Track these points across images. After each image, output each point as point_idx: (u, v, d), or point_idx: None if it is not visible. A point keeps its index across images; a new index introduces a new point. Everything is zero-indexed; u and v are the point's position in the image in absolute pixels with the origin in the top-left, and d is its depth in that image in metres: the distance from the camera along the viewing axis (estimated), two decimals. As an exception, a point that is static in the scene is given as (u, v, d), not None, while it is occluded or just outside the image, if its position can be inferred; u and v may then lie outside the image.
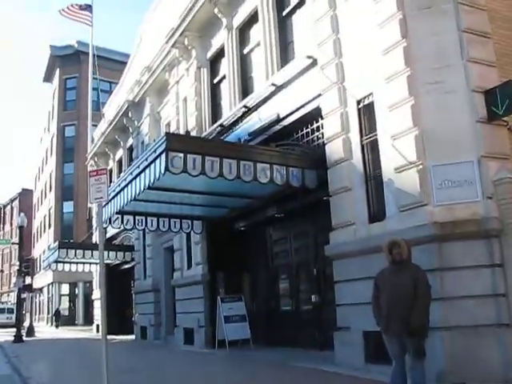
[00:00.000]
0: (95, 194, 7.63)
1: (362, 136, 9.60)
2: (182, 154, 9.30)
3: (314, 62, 11.02)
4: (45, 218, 54.31)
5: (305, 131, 11.81)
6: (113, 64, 45.55)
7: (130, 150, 24.50)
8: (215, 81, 16.54)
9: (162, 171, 9.27)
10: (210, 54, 16.56)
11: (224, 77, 15.68)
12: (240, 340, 14.07)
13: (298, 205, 11.84)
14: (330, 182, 10.17)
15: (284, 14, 13.13)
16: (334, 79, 10.19)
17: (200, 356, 13.75)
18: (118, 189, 12.07)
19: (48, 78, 56.32)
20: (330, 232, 10.12)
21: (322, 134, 10.92)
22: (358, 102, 9.71)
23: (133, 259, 23.14)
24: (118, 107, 24.48)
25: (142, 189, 10.45)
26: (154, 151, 9.72)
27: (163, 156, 9.27)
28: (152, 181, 9.85)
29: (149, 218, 14.71)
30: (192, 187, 11.86)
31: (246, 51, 14.79)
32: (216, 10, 15.31)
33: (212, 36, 16.28)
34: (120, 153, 26.14)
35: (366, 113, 9.57)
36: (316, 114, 11.08)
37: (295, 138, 11.87)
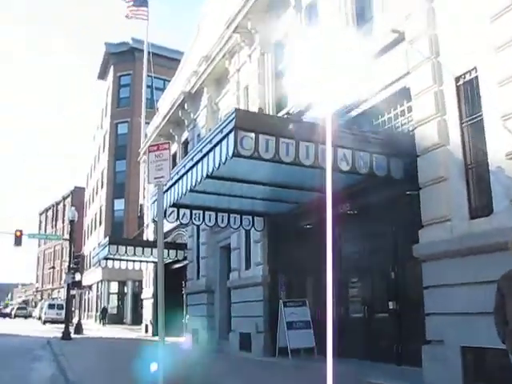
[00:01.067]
0: (155, 172, 6.57)
1: (461, 118, 8.33)
2: (253, 134, 8.29)
3: (401, 37, 9.81)
4: (96, 215, 54.42)
5: (387, 116, 10.61)
6: (167, 61, 45.28)
7: (185, 144, 23.67)
8: (280, 67, 15.45)
9: (230, 153, 8.25)
10: (275, 38, 15.47)
11: (292, 62, 14.46)
12: (303, 348, 12.92)
13: (376, 199, 10.56)
14: (421, 171, 8.93)
15: None
16: (427, 54, 8.96)
17: (261, 366, 12.63)
18: (176, 177, 11.13)
19: (102, 75, 56.50)
20: (418, 229, 8.91)
21: (409, 118, 9.81)
22: (457, 79, 8.44)
23: (185, 258, 22.38)
24: (173, 100, 23.69)
25: (205, 175, 9.51)
26: (220, 131, 8.70)
27: (231, 136, 8.25)
28: (217, 166, 8.86)
29: (207, 213, 13.86)
30: (256, 177, 10.95)
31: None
32: (284, -10, 14.19)
33: (278, 18, 15.29)
34: (174, 147, 25.27)
35: (468, 90, 8.30)
36: (402, 96, 9.97)
37: (377, 124, 10.57)
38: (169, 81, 32.05)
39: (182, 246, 22.57)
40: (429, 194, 8.72)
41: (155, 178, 6.69)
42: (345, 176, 9.71)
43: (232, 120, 8.27)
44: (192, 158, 10.07)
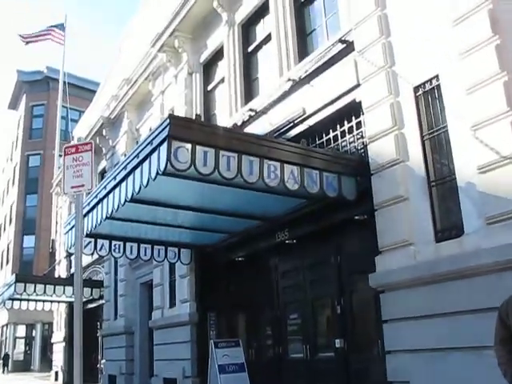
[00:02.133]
0: (72, 180, 5.20)
1: (422, 131, 7.61)
2: (189, 145, 7.16)
3: (349, 47, 9.02)
4: (2, 253, 50.71)
5: (337, 132, 9.75)
6: (84, 92, 43.61)
7: (102, 174, 22.06)
8: (210, 87, 14.57)
9: (162, 167, 7.08)
10: (204, 57, 14.65)
11: (222, 80, 13.66)
12: (237, 395, 11.52)
13: (320, 225, 9.74)
14: (376, 191, 8.12)
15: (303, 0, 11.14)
16: (381, 63, 8.23)
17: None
18: (95, 201, 9.74)
19: (13, 104, 53.60)
20: (370, 257, 8.07)
21: (362, 132, 8.98)
22: (416, 89, 7.74)
23: (101, 297, 20.67)
24: (90, 126, 22.09)
25: (130, 197, 8.28)
26: (150, 143, 7.52)
27: (164, 146, 7.10)
28: (145, 183, 7.63)
29: (128, 244, 12.38)
30: (185, 201, 9.82)
31: (251, 49, 12.89)
32: (215, 4, 13.34)
33: (207, 35, 14.38)
34: (91, 177, 23.54)
35: (429, 101, 7.60)
36: (351, 110, 9.21)
37: (324, 141, 9.73)
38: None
39: (98, 284, 20.92)
40: (386, 216, 7.87)
41: (72, 188, 5.32)
42: (283, 199, 8.93)
43: (165, 128, 7.11)
44: (115, 177, 8.76)
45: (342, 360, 9.47)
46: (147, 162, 7.58)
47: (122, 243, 12.23)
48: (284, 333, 11.40)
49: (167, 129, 7.04)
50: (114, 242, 12.13)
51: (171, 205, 9.92)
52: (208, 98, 14.57)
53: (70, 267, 25.13)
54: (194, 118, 7.77)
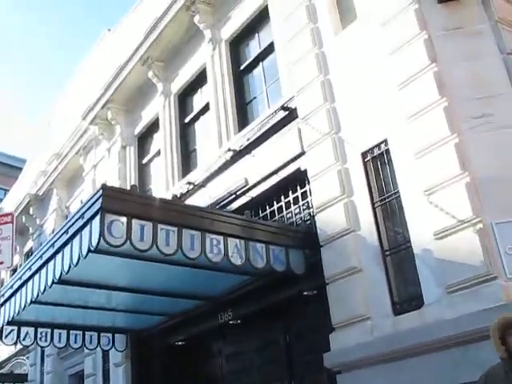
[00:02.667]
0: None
1: (372, 197, 7.46)
2: (124, 218, 6.72)
3: (292, 114, 8.96)
4: None
5: (276, 205, 9.57)
6: (9, 170, 42.24)
7: (28, 255, 20.97)
8: (145, 160, 14.25)
9: (94, 243, 6.62)
10: (138, 129, 14.39)
11: (158, 153, 13.37)
12: None
13: (266, 304, 9.29)
14: (326, 264, 7.84)
15: (242, 68, 11.20)
16: (326, 130, 8.18)
17: None
18: (19, 283, 9.04)
19: None
20: (322, 335, 7.73)
21: (308, 202, 8.79)
22: (365, 154, 7.66)
23: None
24: (16, 204, 21.18)
25: (58, 277, 7.71)
26: (81, 217, 7.03)
27: (96, 220, 6.63)
28: (75, 262, 7.11)
29: (56, 331, 11.59)
30: (118, 281, 9.30)
31: (188, 119, 12.73)
32: (150, 74, 13.20)
33: (142, 107, 14.18)
34: (16, 259, 22.31)
35: (378, 166, 7.52)
36: (296, 180, 9.04)
37: (267, 213, 9.48)
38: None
39: (22, 378, 19.41)
40: (339, 290, 7.55)
41: (-12, 266, 4.73)
42: (225, 276, 8.61)
43: (98, 200, 6.68)
44: (41, 257, 8.18)
45: None
46: (78, 237, 7.09)
47: (49, 330, 11.44)
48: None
49: (100, 200, 6.61)
50: (40, 330, 11.33)
51: (104, 286, 9.32)
52: (143, 171, 14.24)
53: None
54: (129, 188, 7.34)
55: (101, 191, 6.66)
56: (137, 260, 7.61)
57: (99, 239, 6.48)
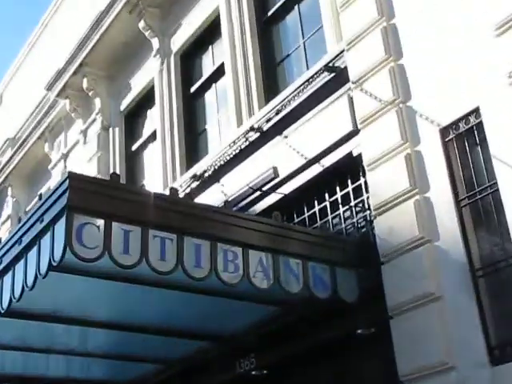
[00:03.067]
0: None
1: (456, 193, 7.27)
2: (101, 221, 6.57)
3: (340, 77, 8.89)
4: None
5: (318, 207, 9.52)
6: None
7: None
8: (135, 146, 14.42)
9: (58, 256, 6.41)
10: (126, 103, 14.60)
11: (153, 137, 13.57)
12: None
13: (305, 346, 9.13)
14: (390, 287, 7.68)
15: (269, 14, 11.27)
16: (389, 97, 8.10)
17: None
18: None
19: None
20: None
21: (364, 202, 8.75)
22: (445, 131, 7.48)
23: None
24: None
25: (5, 307, 7.55)
26: (39, 219, 7.00)
27: (61, 224, 6.47)
28: (31, 283, 6.91)
29: None
30: (96, 310, 9.16)
31: (194, 89, 12.84)
32: (142, 25, 13.19)
33: (131, 72, 14.31)
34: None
35: (465, 148, 7.34)
36: (346, 170, 9.04)
37: (302, 220, 9.51)
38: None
39: None
40: (408, 327, 7.35)
41: None
42: (244, 307, 8.56)
43: (63, 194, 6.53)
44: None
45: None
46: (34, 249, 6.95)
47: None
48: None
49: (66, 195, 6.44)
50: None
51: (74, 320, 9.22)
52: (132, 162, 14.41)
53: None
54: (109, 178, 7.22)
55: (67, 182, 6.47)
56: (119, 282, 7.61)
57: (64, 251, 6.31)
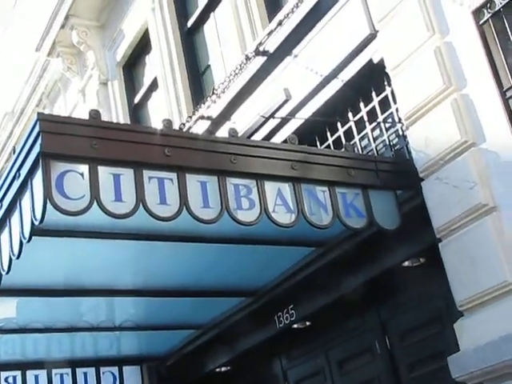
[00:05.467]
0: None
1: (500, 83, 6.61)
2: (84, 167, 6.01)
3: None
4: None
5: (342, 130, 9.09)
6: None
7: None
8: (138, 98, 14.18)
9: (39, 214, 5.87)
10: (121, 53, 14.25)
11: (155, 84, 13.21)
12: None
13: (346, 289, 8.77)
14: (433, 206, 7.14)
15: None
16: None
17: None
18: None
19: None
20: (452, 322, 7.11)
21: (392, 115, 8.32)
22: (479, 13, 6.80)
23: None
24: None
25: None
26: (16, 175, 6.40)
27: (38, 175, 5.92)
28: (16, 250, 6.42)
29: (30, 373, 11.62)
30: (119, 279, 9.09)
31: (191, 22, 12.43)
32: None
33: (121, 16, 14.02)
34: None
35: (506, 28, 6.64)
36: (368, 81, 8.56)
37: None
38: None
39: None
40: (462, 248, 6.83)
41: None
42: (272, 253, 8.42)
43: (36, 141, 5.93)
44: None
45: None
46: (17, 212, 6.46)
47: (19, 373, 11.48)
48: None
49: (38, 142, 5.85)
50: (5, 374, 11.46)
51: (99, 290, 9.20)
52: (138, 115, 14.12)
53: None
54: (88, 116, 6.58)
55: (37, 126, 5.88)
56: (131, 241, 7.61)
57: (44, 205, 5.77)
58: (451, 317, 7.16)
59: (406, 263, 7.91)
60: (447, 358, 6.89)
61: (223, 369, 11.75)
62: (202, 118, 10.83)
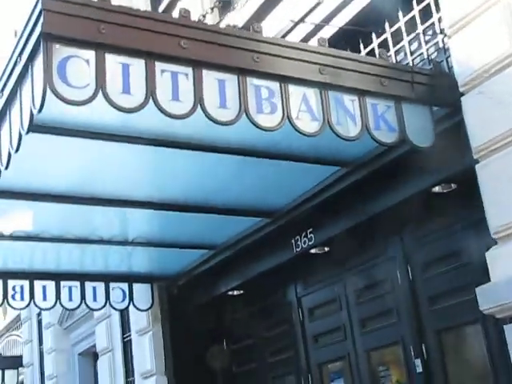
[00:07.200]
0: None
1: None
2: (90, 53, 5.50)
3: None
4: None
5: (376, 41, 8.57)
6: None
7: None
8: None
9: (38, 102, 5.38)
10: None
11: None
12: None
13: (370, 213, 8.49)
14: (473, 124, 6.65)
15: None
16: None
17: None
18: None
19: None
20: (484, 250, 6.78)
21: (433, 25, 7.80)
22: None
23: None
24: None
25: None
26: (17, 60, 5.83)
27: (39, 61, 5.42)
28: (15, 144, 5.99)
29: (38, 284, 11.54)
30: (133, 188, 8.73)
31: None
32: None
33: None
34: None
35: None
36: None
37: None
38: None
39: (15, 362, 20.24)
40: (501, 172, 6.39)
41: None
42: (294, 170, 8.07)
43: (37, 22, 5.41)
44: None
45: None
46: (17, 101, 5.99)
47: (26, 282, 11.34)
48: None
49: (40, 22, 5.34)
50: (12, 283, 11.37)
51: (113, 200, 8.88)
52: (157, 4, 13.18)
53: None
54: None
55: (39, 3, 5.33)
56: (139, 145, 7.17)
57: (44, 92, 5.27)
58: (480, 247, 6.88)
59: (436, 189, 7.60)
60: (475, 289, 6.59)
61: (236, 292, 11.71)
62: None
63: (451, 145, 6.85)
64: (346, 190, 8.36)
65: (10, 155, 6.18)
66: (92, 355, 16.04)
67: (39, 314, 17.47)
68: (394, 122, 6.75)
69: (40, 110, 5.40)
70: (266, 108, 6.12)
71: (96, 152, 7.33)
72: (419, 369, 8.49)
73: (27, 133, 5.74)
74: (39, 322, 18.11)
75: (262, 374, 11.72)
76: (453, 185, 7.46)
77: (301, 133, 6.20)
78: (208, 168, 8.00)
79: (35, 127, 5.92)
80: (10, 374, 20.45)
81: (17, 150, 6.01)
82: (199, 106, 5.72)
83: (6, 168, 6.35)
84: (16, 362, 20.14)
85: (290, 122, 6.10)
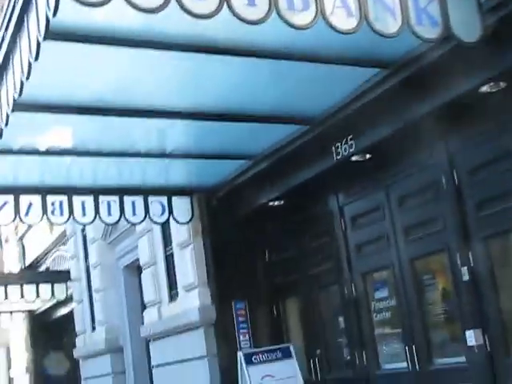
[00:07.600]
0: None
1: None
2: None
3: None
4: None
5: None
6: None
7: None
8: None
9: (52, 4, 5.20)
10: None
11: None
12: None
13: (413, 116, 8.19)
14: None
15: None
16: None
17: None
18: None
19: None
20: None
21: None
22: None
23: (71, 298, 20.11)
24: None
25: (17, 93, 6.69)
26: None
27: None
28: (34, 53, 5.87)
29: (77, 199, 11.46)
30: (171, 98, 8.59)
31: None
32: None
33: None
34: None
35: None
36: None
37: None
38: None
39: (63, 276, 20.42)
40: None
41: None
42: (337, 75, 7.87)
43: None
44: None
45: (482, 368, 8.28)
46: (33, 6, 5.83)
47: (65, 198, 11.26)
48: (367, 327, 10.63)
49: None
50: (49, 198, 11.21)
51: (149, 111, 8.75)
52: None
53: (24, 254, 24.86)
54: None
55: None
56: (171, 51, 6.93)
57: None
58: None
59: (484, 88, 7.24)
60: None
61: (276, 203, 11.56)
62: None
63: (501, 39, 6.52)
64: (387, 94, 8.09)
65: (30, 64, 6.10)
66: (136, 268, 16.05)
67: (83, 230, 17.49)
68: (437, 15, 6.33)
69: (55, 13, 5.24)
70: (298, 4, 5.75)
71: (128, 61, 7.17)
72: (465, 277, 8.38)
73: (44, 39, 5.62)
74: (84, 237, 18.29)
75: (305, 285, 11.73)
76: (502, 83, 7.11)
77: (336, 30, 5.82)
78: (244, 75, 7.82)
79: (54, 34, 5.80)
80: (59, 289, 20.69)
81: (36, 59, 5.90)
82: (225, 3, 5.39)
83: (28, 78, 6.26)
84: (64, 277, 20.31)
85: (323, 18, 5.71)
